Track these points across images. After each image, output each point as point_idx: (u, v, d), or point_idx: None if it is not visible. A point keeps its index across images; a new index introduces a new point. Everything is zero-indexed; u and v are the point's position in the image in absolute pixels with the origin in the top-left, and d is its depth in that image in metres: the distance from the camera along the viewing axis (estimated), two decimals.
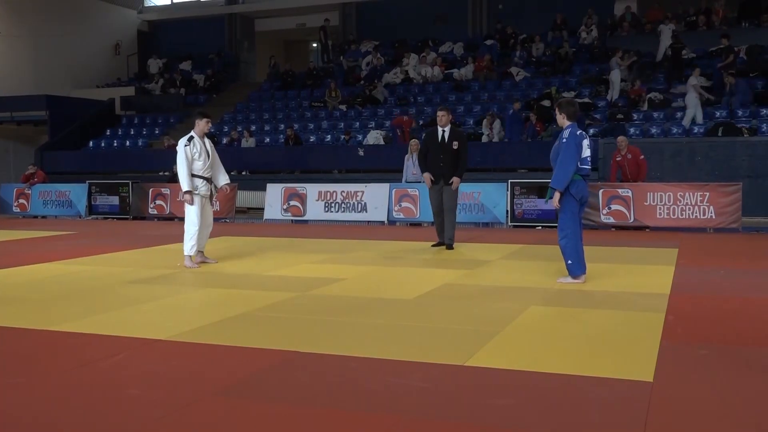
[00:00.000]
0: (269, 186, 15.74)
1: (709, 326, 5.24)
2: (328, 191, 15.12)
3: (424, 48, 23.08)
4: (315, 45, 29.97)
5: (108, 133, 23.71)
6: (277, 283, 7.16)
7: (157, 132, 23.05)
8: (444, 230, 9.84)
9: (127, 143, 22.80)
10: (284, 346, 4.63)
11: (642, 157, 12.98)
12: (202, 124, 8.43)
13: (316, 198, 15.11)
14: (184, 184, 8.21)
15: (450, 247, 9.71)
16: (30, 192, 18.01)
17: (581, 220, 7.02)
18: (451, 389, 3.78)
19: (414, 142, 14.36)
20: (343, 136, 19.44)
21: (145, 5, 29.39)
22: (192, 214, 8.27)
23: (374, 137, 18.66)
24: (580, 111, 16.99)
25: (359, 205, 14.79)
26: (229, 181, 8.81)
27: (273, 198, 15.47)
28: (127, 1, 28.32)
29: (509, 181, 13.68)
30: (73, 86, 25.69)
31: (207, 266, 8.39)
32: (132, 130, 23.87)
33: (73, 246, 10.75)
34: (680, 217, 12.32)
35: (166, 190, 16.47)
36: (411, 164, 13.94)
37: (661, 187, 12.63)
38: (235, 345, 4.69)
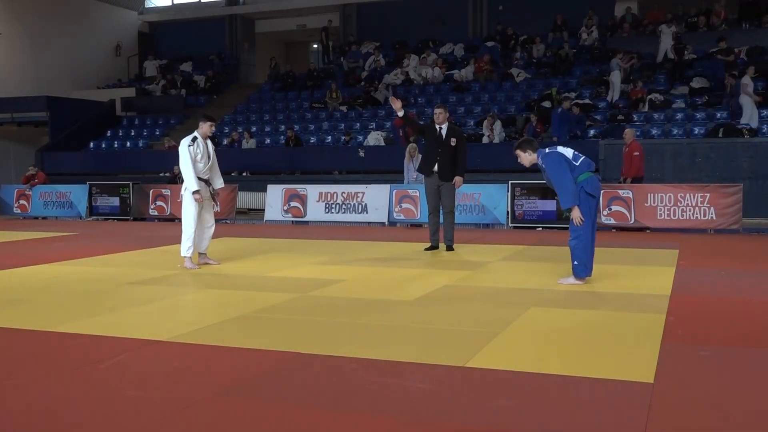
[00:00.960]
0: (270, 187, 15.74)
1: (709, 327, 5.23)
2: (328, 192, 15.12)
3: (425, 49, 23.08)
4: (315, 46, 29.97)
5: (108, 134, 23.71)
6: (277, 284, 7.16)
7: (157, 133, 23.06)
8: (437, 231, 9.78)
9: (128, 144, 22.80)
10: (284, 348, 4.63)
11: (636, 153, 13.00)
12: (205, 127, 8.38)
13: (317, 199, 15.11)
14: (192, 183, 8.16)
15: (450, 248, 9.66)
16: (30, 193, 18.01)
17: (595, 221, 6.93)
18: (451, 390, 3.78)
19: (412, 147, 14.38)
20: (343, 137, 19.44)
21: (146, 6, 29.39)
22: (189, 216, 8.27)
23: (375, 138, 18.66)
24: (581, 111, 17.14)
25: (360, 206, 14.79)
26: (223, 186, 8.79)
27: (273, 199, 15.48)
28: (128, 2, 28.33)
29: (510, 182, 13.68)
30: (74, 87, 25.69)
31: (207, 267, 8.39)
32: (132, 131, 23.87)
33: (74, 247, 10.75)
34: (681, 218, 12.32)
35: (166, 192, 16.47)
36: (412, 167, 13.95)
37: (661, 188, 12.63)
38: (235, 346, 4.69)
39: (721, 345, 4.70)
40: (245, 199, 17.48)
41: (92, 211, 17.27)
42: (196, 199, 8.21)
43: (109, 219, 17.00)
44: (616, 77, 18.28)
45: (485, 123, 17.62)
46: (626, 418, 3.34)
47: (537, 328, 5.18)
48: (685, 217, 12.30)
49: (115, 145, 22.95)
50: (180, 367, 4.29)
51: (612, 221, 12.68)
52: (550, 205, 13.15)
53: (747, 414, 3.43)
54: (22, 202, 18.11)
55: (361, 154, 18.15)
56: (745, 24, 19.84)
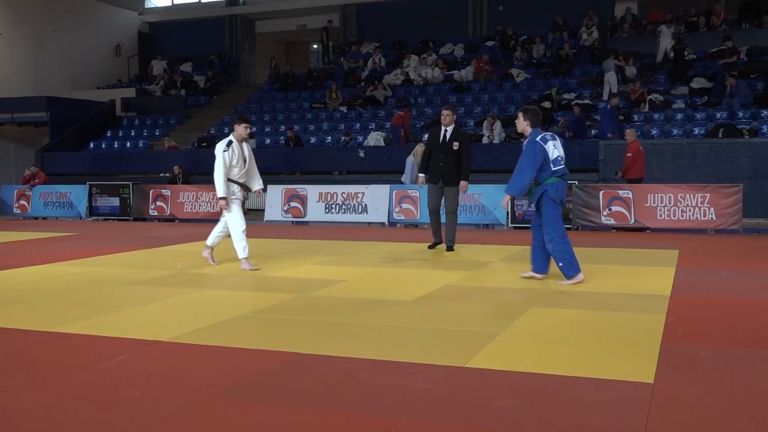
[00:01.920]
0: (269, 187, 15.72)
1: (709, 328, 5.23)
2: (328, 192, 15.12)
3: (425, 49, 23.09)
4: (315, 46, 29.99)
5: (108, 135, 23.71)
6: (277, 284, 7.16)
7: (157, 133, 23.06)
8: (439, 229, 9.82)
9: (128, 144, 22.80)
10: (285, 348, 4.63)
11: (628, 154, 13.10)
12: (240, 129, 8.21)
13: (317, 199, 15.11)
14: (220, 190, 8.08)
15: (450, 248, 9.67)
16: (30, 193, 18.02)
17: (562, 222, 7.03)
18: (451, 391, 3.78)
19: (420, 147, 14.35)
20: (343, 138, 19.45)
21: (146, 6, 29.39)
22: (234, 217, 8.18)
23: (375, 138, 18.66)
24: (582, 112, 17.14)
25: (360, 206, 14.79)
26: (262, 187, 8.63)
27: (273, 199, 15.48)
28: (128, 3, 28.33)
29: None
30: (74, 87, 25.69)
31: (205, 268, 8.38)
32: (132, 131, 23.87)
33: (74, 247, 10.75)
34: (681, 218, 12.32)
35: (166, 192, 16.47)
36: (416, 167, 13.95)
37: (661, 188, 12.63)
38: (235, 346, 4.69)
39: (721, 345, 4.70)
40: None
41: (92, 211, 17.27)
42: (221, 206, 8.17)
43: (109, 219, 17.00)
44: (612, 78, 18.28)
45: (485, 123, 17.62)
46: (626, 419, 3.35)
47: (537, 328, 5.18)
48: (685, 218, 12.30)
49: (115, 146, 22.95)
50: (180, 368, 4.29)
51: (612, 221, 12.69)
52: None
53: (746, 414, 3.43)
54: (22, 202, 18.11)
55: (361, 154, 18.15)
56: (745, 24, 19.85)
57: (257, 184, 8.49)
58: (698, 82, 17.84)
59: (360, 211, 14.79)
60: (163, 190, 16.56)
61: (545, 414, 3.43)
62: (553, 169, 6.81)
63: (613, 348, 4.62)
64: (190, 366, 4.32)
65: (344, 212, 14.85)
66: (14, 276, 7.93)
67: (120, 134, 23.74)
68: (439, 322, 5.44)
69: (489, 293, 6.65)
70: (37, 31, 24.71)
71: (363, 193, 14.81)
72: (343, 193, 14.98)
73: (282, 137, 20.12)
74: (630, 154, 13.04)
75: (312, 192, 15.21)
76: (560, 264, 6.86)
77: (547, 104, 18.36)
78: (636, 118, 17.20)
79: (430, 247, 9.88)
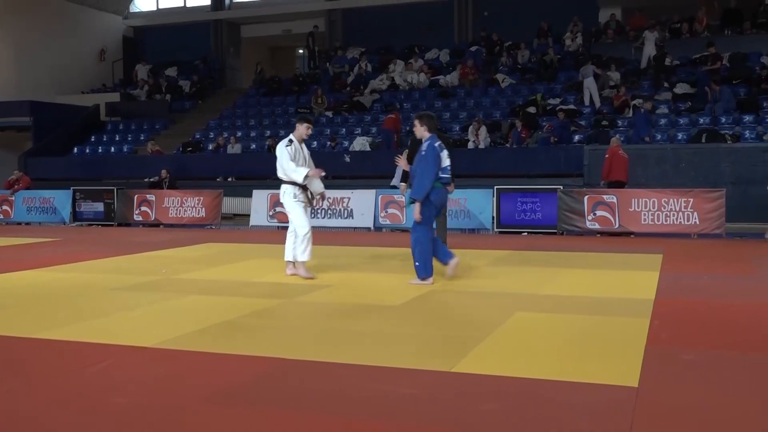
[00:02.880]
0: (255, 192, 15.70)
1: (693, 331, 5.28)
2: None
3: (410, 55, 23.13)
4: (301, 51, 29.97)
5: (93, 140, 23.57)
6: (263, 289, 7.15)
7: (142, 138, 22.94)
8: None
9: (112, 149, 22.68)
10: (271, 353, 4.62)
11: (606, 156, 13.38)
12: (302, 129, 7.95)
13: None
14: (300, 174, 7.64)
15: None
16: (13, 199, 17.86)
17: (432, 226, 7.38)
18: (437, 395, 3.79)
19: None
20: (329, 143, 19.44)
21: (131, 11, 29.26)
22: (299, 218, 7.78)
23: (360, 143, 18.66)
24: (566, 117, 17.24)
25: (345, 211, 14.78)
26: (324, 191, 8.14)
27: (259, 204, 15.43)
28: (113, 7, 28.18)
29: (495, 187, 13.73)
30: (58, 92, 25.50)
31: (191, 273, 8.34)
32: (117, 136, 23.75)
33: (58, 253, 10.67)
34: (665, 223, 12.41)
35: (151, 197, 16.38)
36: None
37: (645, 193, 12.72)
38: (221, 352, 4.67)
39: (705, 348, 4.74)
40: (231, 204, 17.42)
41: (76, 216, 17.15)
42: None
43: (93, 224, 16.88)
44: (591, 83, 18.39)
45: (471, 128, 17.68)
46: (611, 422, 3.37)
47: (522, 332, 5.20)
48: (668, 222, 12.39)
49: (100, 151, 22.82)
50: (166, 374, 4.27)
51: (597, 226, 12.75)
52: (538, 210, 13.24)
53: (730, 416, 3.46)
54: (4, 207, 17.94)
55: (347, 159, 18.14)
56: (727, 31, 20.05)
57: (319, 186, 8.07)
58: (682, 88, 18.00)
59: (346, 216, 14.78)
60: (147, 196, 16.47)
61: (531, 418, 3.44)
62: (441, 175, 7.19)
63: (597, 352, 4.64)
64: (175, 372, 4.30)
65: (330, 217, 14.84)
66: None
67: (104, 139, 23.61)
68: (424, 327, 5.44)
69: (475, 298, 6.66)
70: (20, 35, 24.54)
71: (349, 198, 14.80)
72: (329, 198, 14.95)
73: (267, 142, 20.10)
74: (607, 156, 13.20)
75: None
76: (417, 264, 7.19)
77: (532, 109, 18.47)
78: (620, 123, 17.31)
79: None
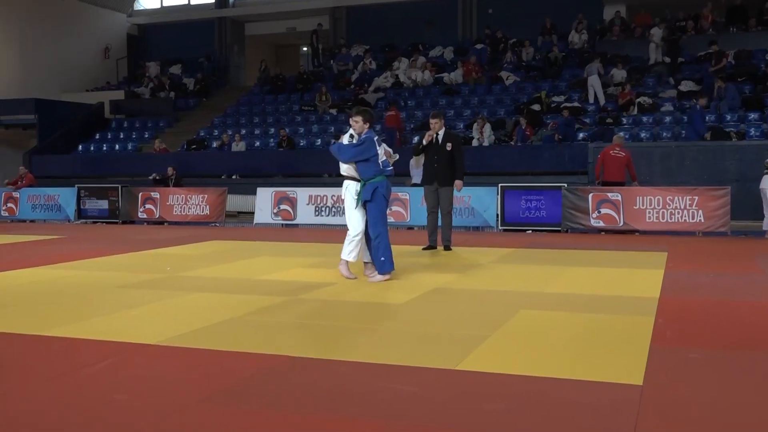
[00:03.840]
0: (259, 190, 15.71)
1: (698, 330, 5.26)
2: (318, 195, 15.09)
3: (414, 52, 23.12)
4: (305, 49, 29.96)
5: (97, 137, 23.60)
6: (266, 287, 7.14)
7: (146, 136, 22.98)
8: (434, 231, 10.03)
9: (117, 147, 22.71)
10: (274, 351, 4.61)
11: (599, 155, 13.47)
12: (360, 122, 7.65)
13: (307, 202, 15.08)
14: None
15: (448, 248, 9.91)
16: (18, 195, 17.91)
17: (386, 220, 7.63)
18: (441, 394, 3.78)
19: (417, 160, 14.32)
20: (333, 140, 19.40)
21: (135, 9, 29.30)
22: (355, 219, 7.46)
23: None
24: (571, 115, 17.20)
25: None
26: (391, 150, 7.87)
27: (263, 202, 15.44)
28: (117, 5, 28.22)
29: (499, 185, 13.71)
30: (62, 90, 25.55)
31: (195, 270, 8.34)
32: (121, 133, 23.78)
33: (62, 250, 10.69)
34: (669, 220, 12.38)
35: (155, 194, 16.41)
36: (417, 173, 13.96)
37: (650, 191, 12.69)
38: (224, 350, 4.67)
39: (710, 347, 4.73)
40: (235, 202, 17.43)
41: (81, 214, 17.19)
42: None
43: (97, 222, 16.92)
44: (595, 81, 18.35)
45: (475, 126, 17.66)
46: (615, 420, 3.35)
47: (526, 330, 5.19)
48: (673, 220, 12.36)
49: (104, 148, 22.85)
50: (169, 371, 4.27)
51: (601, 224, 12.73)
52: (543, 208, 13.22)
53: (735, 416, 3.45)
54: (9, 205, 18.00)
55: None
56: (732, 28, 19.99)
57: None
58: (687, 86, 17.94)
59: None
60: (152, 193, 16.50)
61: (535, 417, 3.43)
62: (384, 169, 7.39)
63: (602, 350, 4.63)
64: (178, 370, 4.30)
65: (334, 215, 14.82)
66: (1, 279, 7.86)
67: (109, 137, 23.64)
68: (429, 325, 5.43)
69: (479, 296, 6.65)
70: (25, 33, 24.59)
71: None
72: (333, 195, 14.94)
73: (272, 140, 20.11)
74: (599, 156, 13.24)
75: (302, 194, 15.19)
76: (382, 258, 7.33)
77: (536, 107, 18.43)
78: (625, 121, 17.27)
79: (425, 249, 9.99)
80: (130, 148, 22.50)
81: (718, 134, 15.45)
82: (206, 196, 15.89)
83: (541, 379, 3.96)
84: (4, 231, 14.52)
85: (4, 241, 12.21)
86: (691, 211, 12.26)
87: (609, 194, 12.72)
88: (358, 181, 7.52)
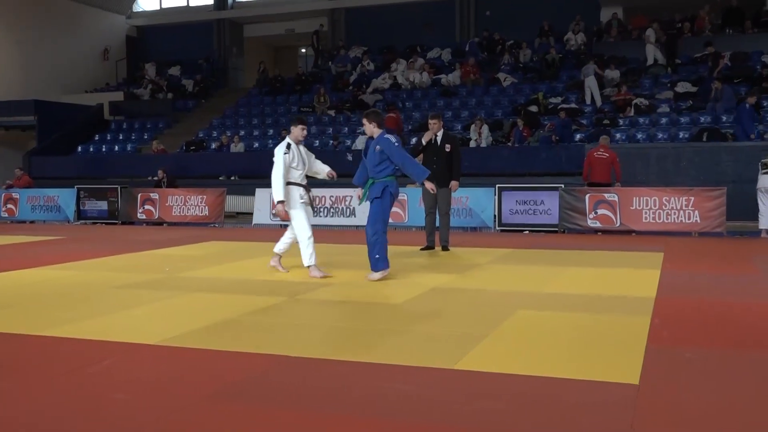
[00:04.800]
0: (258, 191, 15.73)
1: (694, 330, 5.30)
2: (316, 196, 15.02)
3: (412, 54, 23.16)
4: (304, 50, 30.00)
5: (97, 138, 23.62)
6: (265, 287, 7.17)
7: (146, 137, 23.00)
8: (433, 232, 10.12)
9: (116, 148, 22.73)
10: (273, 351, 4.64)
11: (586, 157, 13.80)
12: (297, 131, 7.90)
13: None
14: (279, 193, 7.69)
15: (446, 248, 9.98)
16: (18, 196, 17.93)
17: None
18: (441, 393, 3.81)
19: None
20: (331, 142, 19.46)
21: (134, 10, 29.31)
22: (300, 221, 7.84)
23: (363, 142, 18.66)
24: (568, 116, 17.25)
25: (348, 210, 14.81)
26: (329, 169, 8.36)
27: (262, 203, 15.47)
28: (116, 7, 28.23)
29: (497, 185, 13.76)
30: (62, 91, 25.57)
31: (194, 271, 8.38)
32: (121, 135, 23.80)
33: (62, 251, 10.71)
34: (666, 221, 12.43)
35: (155, 195, 16.44)
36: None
37: (646, 191, 12.74)
38: (223, 350, 4.70)
39: (706, 347, 4.77)
40: (234, 202, 17.47)
41: (80, 215, 17.21)
42: (278, 211, 7.84)
43: (97, 223, 16.94)
44: (592, 82, 18.41)
45: (473, 127, 17.70)
46: (612, 419, 3.39)
47: (524, 330, 5.22)
48: (669, 221, 12.41)
49: (104, 149, 22.87)
50: (168, 371, 4.30)
51: (598, 224, 12.78)
52: (540, 209, 13.27)
53: (731, 416, 3.49)
54: (9, 206, 18.02)
55: (350, 158, 18.16)
56: (728, 30, 20.04)
57: (324, 168, 8.31)
58: (683, 87, 18.00)
59: (348, 214, 14.81)
60: (151, 194, 16.52)
61: (533, 416, 3.47)
62: (395, 168, 7.49)
63: (598, 350, 4.67)
64: (178, 369, 4.33)
65: (333, 216, 14.87)
66: (1, 279, 7.89)
67: (108, 138, 23.67)
68: (427, 325, 5.47)
69: (477, 295, 6.69)
70: (24, 34, 24.60)
71: (351, 197, 14.82)
72: (332, 196, 14.99)
73: (270, 141, 20.12)
74: (586, 158, 13.55)
75: None
76: (377, 256, 7.40)
77: (534, 108, 18.47)
78: (621, 122, 17.32)
79: (423, 249, 10.06)
80: (129, 149, 22.52)
81: (714, 135, 15.51)
82: (205, 196, 15.92)
83: (537, 379, 3.99)
84: (4, 232, 14.53)
85: (4, 242, 12.23)
86: (687, 211, 12.31)
87: (606, 195, 12.77)
88: (299, 185, 7.91)
